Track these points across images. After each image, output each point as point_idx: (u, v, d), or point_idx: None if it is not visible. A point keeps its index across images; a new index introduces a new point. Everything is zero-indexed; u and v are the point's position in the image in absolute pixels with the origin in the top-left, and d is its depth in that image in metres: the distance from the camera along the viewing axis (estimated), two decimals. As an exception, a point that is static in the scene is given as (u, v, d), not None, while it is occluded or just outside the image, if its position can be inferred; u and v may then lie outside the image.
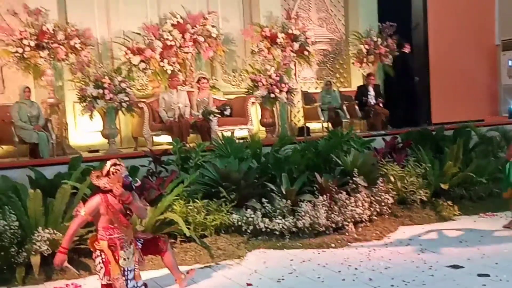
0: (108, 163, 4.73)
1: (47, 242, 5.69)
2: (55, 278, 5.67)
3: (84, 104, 8.26)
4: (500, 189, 7.46)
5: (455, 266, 5.59)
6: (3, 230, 5.64)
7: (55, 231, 5.80)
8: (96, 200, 4.67)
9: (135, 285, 4.79)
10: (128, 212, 4.78)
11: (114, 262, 4.64)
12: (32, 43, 8.20)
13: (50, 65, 8.44)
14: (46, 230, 5.77)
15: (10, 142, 8.12)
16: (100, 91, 8.15)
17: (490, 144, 9.16)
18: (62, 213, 6.06)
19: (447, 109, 11.83)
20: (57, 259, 4.69)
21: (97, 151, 8.69)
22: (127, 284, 4.70)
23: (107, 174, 4.66)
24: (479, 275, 5.29)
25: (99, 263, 4.70)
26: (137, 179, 4.86)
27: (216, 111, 9.20)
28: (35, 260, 5.62)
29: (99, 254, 4.70)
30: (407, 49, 11.12)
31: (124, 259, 4.69)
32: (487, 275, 5.26)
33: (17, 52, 8.19)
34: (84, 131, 9.13)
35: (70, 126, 9.01)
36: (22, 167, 6.99)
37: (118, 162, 4.73)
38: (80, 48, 8.56)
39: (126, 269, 4.71)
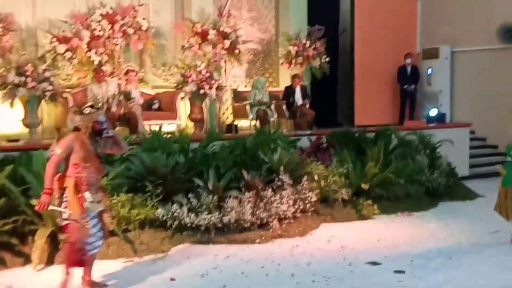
0: (88, 103, 4.76)
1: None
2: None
3: (5, 91, 7.86)
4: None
5: (373, 263, 5.75)
6: None
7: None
8: (70, 136, 4.62)
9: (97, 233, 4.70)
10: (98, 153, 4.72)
11: (76, 202, 4.51)
12: (-51, 25, 7.73)
13: (-32, 50, 7.99)
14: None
15: None
16: (22, 78, 7.79)
17: (408, 147, 9.43)
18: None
19: (369, 112, 12.24)
20: (43, 200, 4.52)
21: (16, 140, 8.29)
22: (89, 230, 4.59)
23: (82, 112, 4.62)
24: (395, 271, 5.47)
25: (64, 202, 4.56)
26: (110, 131, 4.76)
27: (137, 93, 9.07)
28: None
29: (63, 193, 4.56)
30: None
31: (90, 202, 4.59)
32: (403, 272, 5.45)
33: None
34: (3, 119, 8.66)
35: (-12, 113, 8.56)
36: None
37: (95, 106, 4.69)
38: (1, 33, 8.15)
39: (89, 214, 4.60)
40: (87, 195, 4.58)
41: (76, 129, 4.70)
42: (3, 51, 8.21)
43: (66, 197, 4.55)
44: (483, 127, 11.99)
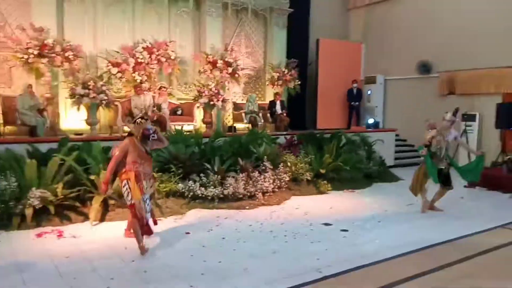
0: (139, 115, 4.71)
1: (39, 199, 5.32)
2: (43, 225, 5.32)
3: (73, 100, 7.78)
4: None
5: (327, 224, 5.78)
6: (4, 189, 5.25)
7: (45, 191, 5.42)
8: (125, 141, 4.58)
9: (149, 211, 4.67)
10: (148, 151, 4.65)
11: (136, 188, 4.45)
12: (36, 52, 7.62)
13: (48, 70, 7.88)
14: (38, 190, 5.40)
15: (14, 124, 7.57)
16: (86, 91, 7.70)
17: (353, 144, 9.41)
18: (52, 177, 5.67)
19: (327, 119, 12.23)
20: (103, 188, 4.59)
21: (81, 134, 8.21)
22: (145, 208, 4.56)
23: (135, 122, 4.57)
24: (342, 230, 5.50)
25: (126, 189, 4.49)
26: (155, 135, 4.66)
27: (166, 104, 8.96)
28: (28, 211, 5.27)
29: (126, 183, 4.49)
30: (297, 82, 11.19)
31: (146, 188, 4.56)
32: (347, 230, 5.48)
33: (23, 57, 7.60)
34: (72, 119, 8.57)
35: (62, 115, 8.46)
36: (23, 143, 6.47)
37: (145, 117, 4.65)
38: (72, 59, 8.04)
39: (145, 197, 4.55)
40: (144, 183, 4.53)
41: (130, 134, 4.62)
42: (73, 71, 8.10)
43: (128, 186, 4.47)
44: (404, 132, 11.99)
